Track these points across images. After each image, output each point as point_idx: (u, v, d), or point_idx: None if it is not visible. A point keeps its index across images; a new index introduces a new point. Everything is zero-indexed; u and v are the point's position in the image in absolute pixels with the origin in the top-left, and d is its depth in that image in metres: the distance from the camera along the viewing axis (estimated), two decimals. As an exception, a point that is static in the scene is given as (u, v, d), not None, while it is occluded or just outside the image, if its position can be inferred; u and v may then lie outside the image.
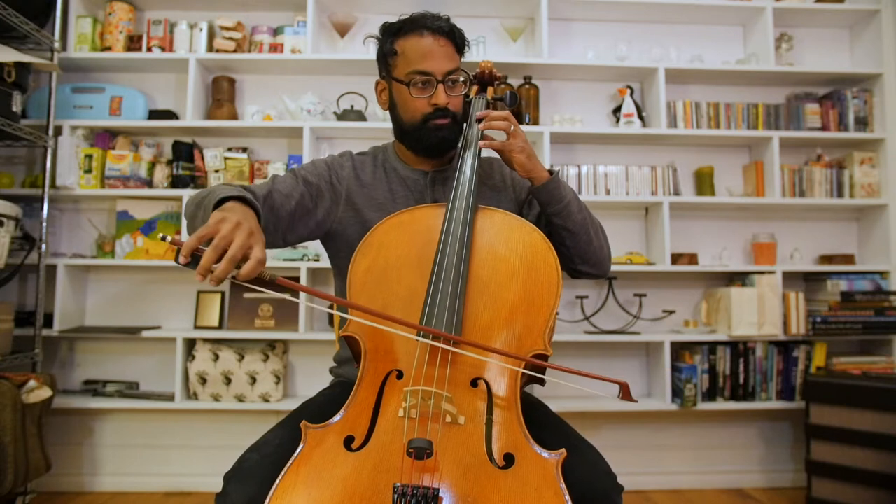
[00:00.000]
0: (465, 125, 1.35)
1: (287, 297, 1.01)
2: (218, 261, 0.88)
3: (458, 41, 1.31)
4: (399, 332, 1.04)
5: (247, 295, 2.70)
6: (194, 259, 0.88)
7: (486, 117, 1.28)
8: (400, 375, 1.03)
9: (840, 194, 2.84)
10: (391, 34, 1.32)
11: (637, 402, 0.99)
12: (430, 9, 1.37)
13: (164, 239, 0.90)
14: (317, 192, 1.31)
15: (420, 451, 0.88)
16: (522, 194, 1.41)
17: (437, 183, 1.37)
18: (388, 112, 1.39)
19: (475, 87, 1.41)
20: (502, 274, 1.11)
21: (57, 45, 2.56)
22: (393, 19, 1.34)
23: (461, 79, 1.31)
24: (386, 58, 1.33)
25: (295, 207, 1.26)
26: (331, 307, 0.85)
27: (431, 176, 1.37)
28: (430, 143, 1.31)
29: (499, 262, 1.12)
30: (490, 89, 1.42)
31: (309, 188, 1.30)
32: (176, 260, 0.89)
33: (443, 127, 1.30)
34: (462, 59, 1.35)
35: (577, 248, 1.30)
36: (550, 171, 1.30)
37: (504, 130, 1.27)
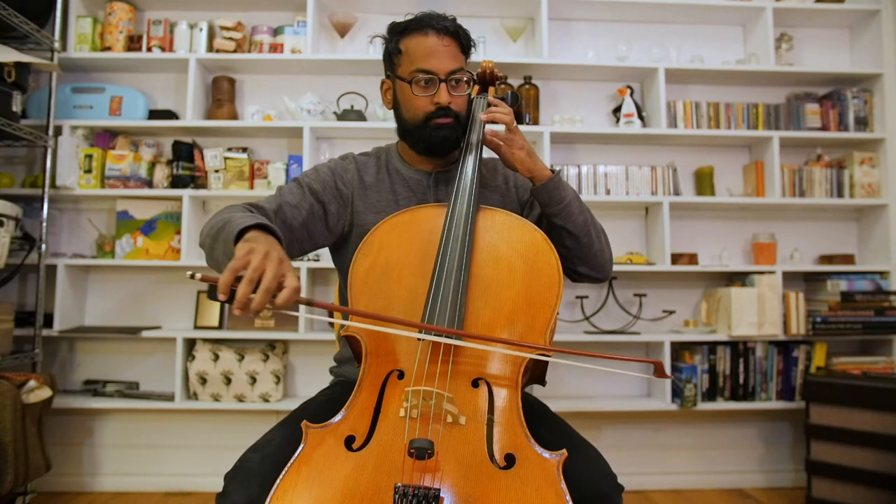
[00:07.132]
0: (467, 125, 1.35)
1: (326, 318, 1.00)
2: (253, 292, 0.89)
3: (463, 41, 1.32)
4: (401, 332, 1.04)
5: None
6: (231, 294, 0.89)
7: (491, 107, 1.28)
8: (401, 375, 1.03)
9: (840, 194, 2.84)
10: (397, 33, 1.32)
11: (671, 377, 0.99)
12: (430, 9, 1.37)
13: (192, 276, 0.91)
14: (324, 199, 1.32)
15: (421, 452, 0.88)
16: (524, 196, 1.41)
17: (440, 183, 1.37)
18: (389, 112, 1.39)
19: (476, 88, 1.41)
20: (503, 274, 1.11)
21: (57, 45, 2.56)
22: (393, 19, 1.35)
23: (465, 79, 1.31)
24: (391, 56, 1.34)
25: (306, 217, 1.27)
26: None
27: (434, 177, 1.37)
28: (431, 142, 1.31)
29: (500, 262, 1.12)
30: (491, 89, 1.43)
31: (316, 196, 1.31)
32: (211, 297, 0.90)
33: (444, 126, 1.29)
34: (467, 61, 1.35)
35: (577, 249, 1.30)
36: (552, 170, 1.30)
37: (506, 124, 1.27)
